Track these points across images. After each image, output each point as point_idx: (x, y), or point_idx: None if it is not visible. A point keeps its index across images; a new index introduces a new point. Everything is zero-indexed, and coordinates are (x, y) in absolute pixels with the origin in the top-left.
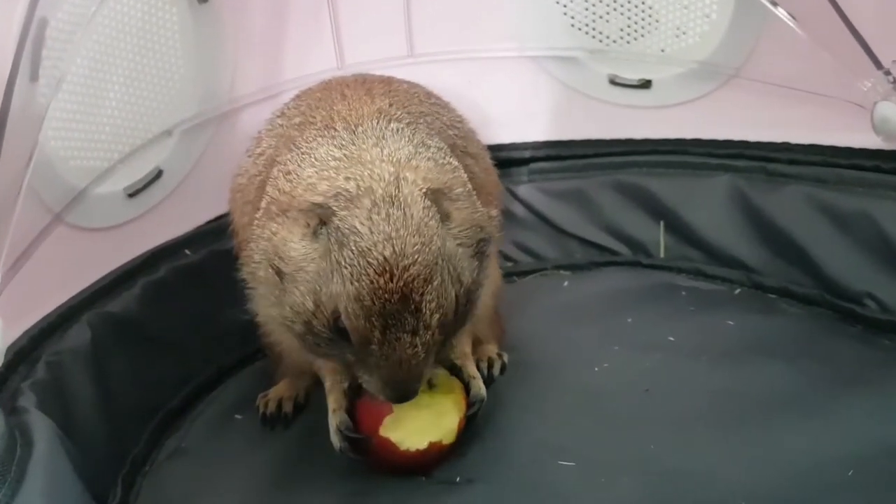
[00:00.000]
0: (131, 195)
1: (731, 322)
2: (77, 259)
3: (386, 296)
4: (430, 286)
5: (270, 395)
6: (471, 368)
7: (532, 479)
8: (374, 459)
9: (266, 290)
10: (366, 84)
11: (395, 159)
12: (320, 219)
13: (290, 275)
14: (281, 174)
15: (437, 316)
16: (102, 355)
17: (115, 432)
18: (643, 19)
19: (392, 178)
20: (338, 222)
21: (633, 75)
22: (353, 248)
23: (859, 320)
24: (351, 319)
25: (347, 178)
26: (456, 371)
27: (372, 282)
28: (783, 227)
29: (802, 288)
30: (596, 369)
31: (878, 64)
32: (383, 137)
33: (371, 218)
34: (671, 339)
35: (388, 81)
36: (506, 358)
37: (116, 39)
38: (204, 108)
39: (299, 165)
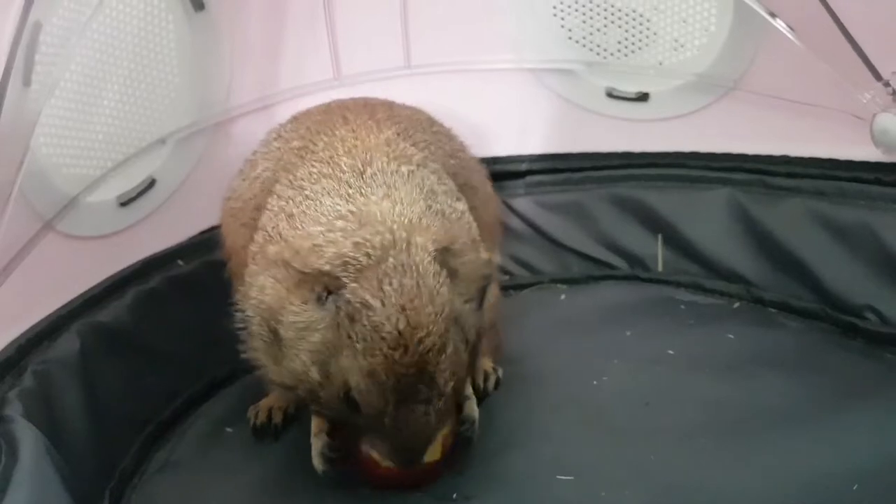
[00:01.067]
0: (124, 204)
1: (731, 335)
2: (67, 267)
3: (401, 370)
4: (443, 356)
5: (261, 405)
6: (465, 388)
7: (531, 494)
8: (363, 474)
9: (259, 343)
10: (367, 108)
11: (406, 220)
12: (326, 287)
13: (291, 340)
14: (282, 214)
15: (450, 384)
16: (92, 365)
17: (103, 444)
18: (641, 32)
19: (404, 246)
20: (348, 295)
21: (631, 88)
22: (366, 322)
23: (860, 334)
24: (363, 395)
25: (356, 245)
26: None
27: (386, 357)
28: (783, 240)
29: (802, 301)
30: (595, 383)
31: (877, 75)
32: (394, 187)
33: (383, 290)
34: (671, 352)
35: (389, 106)
36: (500, 373)
37: (111, 46)
38: (199, 118)
39: (304, 213)
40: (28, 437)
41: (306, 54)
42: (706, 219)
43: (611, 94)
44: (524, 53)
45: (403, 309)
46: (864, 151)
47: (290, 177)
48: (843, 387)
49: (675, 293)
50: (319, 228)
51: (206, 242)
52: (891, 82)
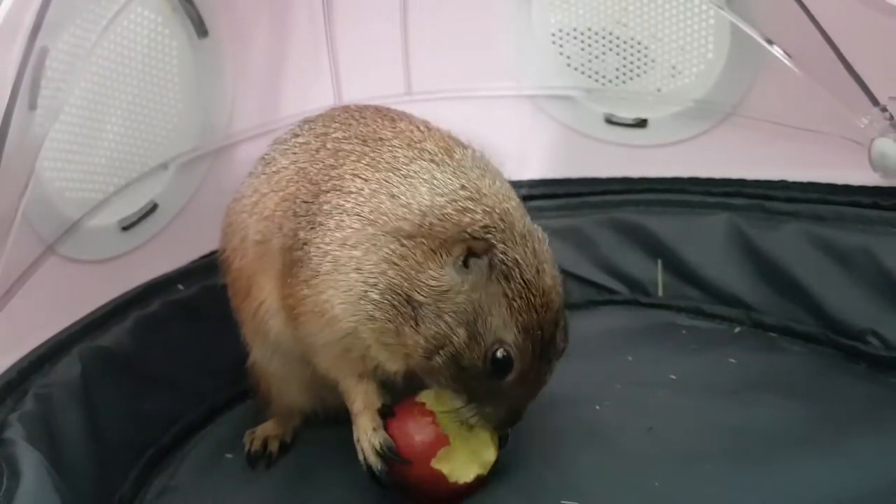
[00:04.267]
0: (125, 228)
1: (732, 360)
2: (69, 291)
3: (546, 326)
4: (564, 316)
5: (257, 432)
6: None
7: None
8: (413, 491)
9: (389, 312)
10: (382, 110)
11: (508, 195)
12: (469, 250)
13: (430, 304)
14: (381, 195)
15: (564, 344)
16: (92, 389)
17: (103, 468)
18: (639, 59)
19: (520, 214)
20: (501, 255)
21: (629, 114)
22: (520, 279)
23: (863, 358)
24: (520, 350)
25: (486, 212)
26: None
27: (537, 313)
28: (783, 264)
29: (804, 326)
30: (597, 407)
31: (874, 101)
32: (483, 168)
33: (526, 251)
34: (673, 377)
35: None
36: None
37: (116, 72)
38: (201, 143)
39: (412, 191)
40: (29, 460)
41: (308, 81)
42: (706, 244)
43: (610, 121)
44: (524, 80)
45: (539, 271)
46: (862, 176)
47: (365, 162)
48: (846, 411)
49: (676, 318)
50: (443, 199)
51: (207, 267)
52: (888, 107)
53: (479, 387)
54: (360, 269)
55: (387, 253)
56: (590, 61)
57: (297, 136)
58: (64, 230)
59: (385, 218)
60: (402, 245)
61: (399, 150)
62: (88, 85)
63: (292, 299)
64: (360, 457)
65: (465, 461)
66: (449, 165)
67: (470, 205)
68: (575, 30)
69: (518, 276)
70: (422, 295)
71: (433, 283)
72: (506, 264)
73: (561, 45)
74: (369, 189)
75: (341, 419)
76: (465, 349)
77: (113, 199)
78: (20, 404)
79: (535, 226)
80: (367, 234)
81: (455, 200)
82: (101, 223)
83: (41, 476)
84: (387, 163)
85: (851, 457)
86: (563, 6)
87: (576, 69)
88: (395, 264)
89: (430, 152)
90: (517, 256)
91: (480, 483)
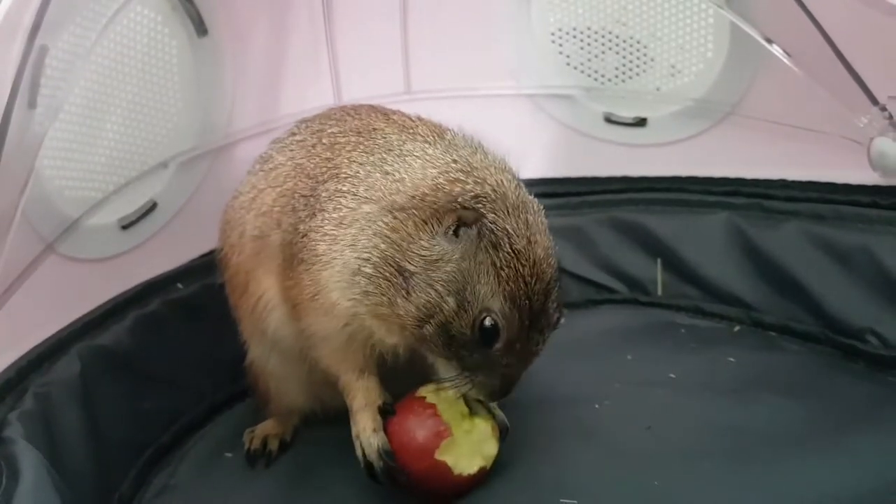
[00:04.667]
0: (125, 227)
1: (732, 359)
2: (68, 290)
3: (535, 296)
4: (558, 285)
5: (257, 431)
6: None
7: None
8: (418, 487)
9: (381, 285)
10: (375, 107)
11: (502, 167)
12: (460, 220)
13: (420, 274)
14: (375, 175)
15: (557, 314)
16: (92, 388)
17: (102, 467)
18: (638, 58)
19: (514, 186)
20: (490, 224)
21: (629, 113)
22: (509, 249)
23: (861, 357)
24: (507, 319)
25: (478, 183)
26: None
27: (526, 283)
28: (782, 263)
29: (803, 325)
30: (597, 406)
31: (873, 100)
32: (475, 147)
33: (517, 222)
34: (672, 375)
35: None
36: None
37: (116, 70)
38: (201, 142)
39: (405, 167)
40: (29, 459)
41: (308, 80)
42: (705, 243)
43: (609, 120)
44: (523, 79)
45: (530, 241)
46: (861, 175)
47: (361, 149)
48: (844, 410)
49: (676, 317)
50: (434, 171)
51: (207, 266)
52: (887, 106)
53: (470, 355)
54: (354, 246)
55: (379, 227)
56: (589, 60)
57: (294, 134)
58: (63, 229)
59: (379, 194)
60: (395, 218)
61: (392, 136)
62: (88, 84)
63: (293, 291)
64: (359, 453)
65: (468, 453)
66: (440, 144)
67: (461, 176)
68: (574, 29)
69: (507, 245)
70: (413, 265)
71: (424, 252)
72: (495, 234)
73: (560, 45)
74: (364, 171)
75: (340, 418)
76: (454, 317)
77: (112, 198)
78: (19, 403)
79: (532, 197)
80: (362, 213)
81: (447, 172)
82: (100, 222)
83: (41, 475)
84: (380, 147)
85: (851, 455)
86: (562, 5)
87: (575, 68)
88: (387, 237)
89: (422, 135)
90: (507, 226)
91: (484, 476)
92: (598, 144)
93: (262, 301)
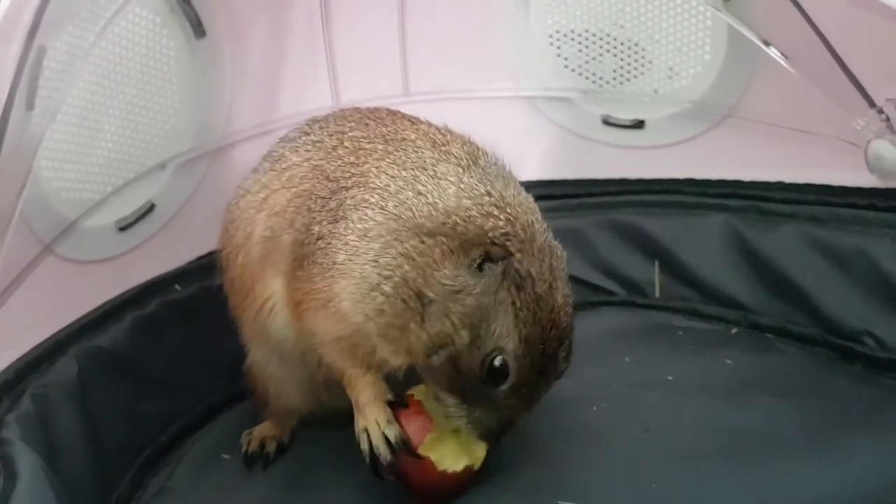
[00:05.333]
0: (123, 228)
1: (729, 361)
2: (66, 291)
3: (550, 342)
4: (570, 337)
5: (254, 433)
6: None
7: None
8: (407, 481)
9: (397, 306)
10: (394, 112)
11: (531, 207)
12: (487, 254)
13: (439, 302)
14: (408, 192)
15: (565, 364)
16: (89, 390)
17: (100, 468)
18: (636, 60)
19: (542, 228)
20: (516, 264)
21: (627, 116)
22: (531, 291)
23: (858, 359)
24: (519, 362)
25: (509, 220)
26: None
27: (542, 327)
28: (779, 266)
29: (800, 327)
30: (594, 408)
31: (871, 102)
32: (507, 178)
33: (542, 266)
34: (669, 377)
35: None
36: None
37: (114, 72)
38: (198, 143)
39: (439, 190)
40: (26, 461)
41: (306, 81)
42: (703, 245)
43: (607, 122)
44: (521, 81)
45: (551, 287)
46: (858, 177)
47: (390, 160)
48: (842, 412)
49: (673, 319)
50: (469, 202)
51: (205, 267)
52: (884, 109)
53: (473, 391)
54: (376, 262)
55: (407, 248)
56: (587, 63)
57: (307, 133)
58: (61, 230)
59: (409, 213)
60: (422, 242)
61: (425, 151)
62: (86, 85)
63: (300, 293)
64: (364, 447)
65: (454, 451)
66: (475, 171)
67: (494, 210)
68: (572, 31)
69: (530, 287)
70: (433, 292)
71: (446, 281)
72: (519, 274)
73: (558, 47)
74: (395, 185)
75: (339, 420)
76: (465, 351)
77: (110, 200)
78: (17, 404)
79: (556, 242)
80: (390, 228)
81: (480, 205)
82: (98, 223)
83: (38, 476)
84: (413, 163)
85: (848, 457)
86: (560, 8)
87: (573, 70)
88: (413, 259)
89: (455, 156)
90: (532, 269)
91: (471, 475)
92: (595, 146)
93: (268, 303)
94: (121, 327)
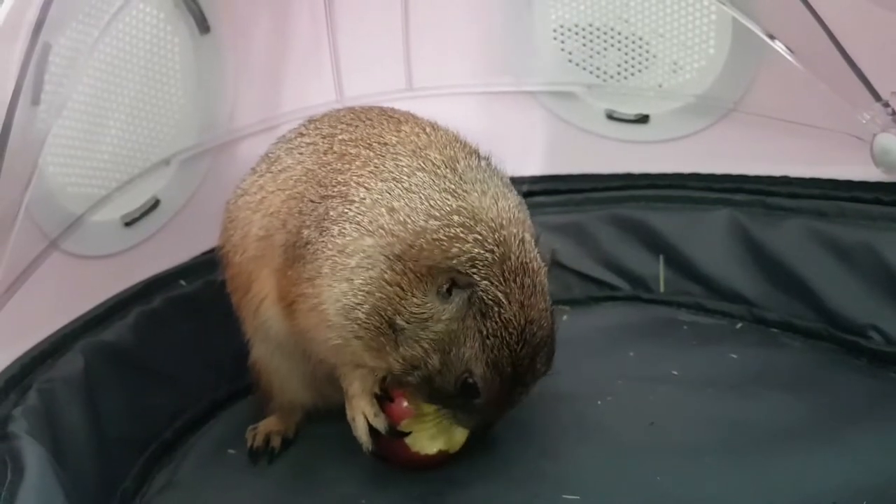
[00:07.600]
0: (128, 224)
1: (734, 355)
2: (71, 286)
3: (520, 361)
4: (548, 346)
5: (259, 427)
6: None
7: None
8: (388, 456)
9: (371, 333)
10: (387, 111)
11: (511, 217)
12: (453, 281)
13: (409, 329)
14: (380, 207)
15: (545, 368)
16: (95, 384)
17: (105, 463)
18: (640, 55)
19: (518, 243)
20: (480, 293)
21: (631, 110)
22: (497, 318)
23: (864, 353)
24: (488, 382)
25: (478, 242)
26: None
27: (511, 350)
28: (784, 260)
29: (805, 321)
30: (599, 403)
31: (876, 96)
32: (486, 182)
33: (510, 288)
34: (675, 372)
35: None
36: None
37: (118, 68)
38: (203, 139)
39: (410, 207)
40: (33, 455)
41: (309, 77)
42: (707, 240)
43: (611, 116)
44: (525, 76)
45: (523, 306)
46: (863, 171)
47: (370, 169)
48: (847, 406)
49: (678, 314)
50: (436, 223)
51: (209, 263)
52: (890, 102)
53: (452, 402)
54: (351, 280)
55: (376, 274)
56: (591, 57)
57: (302, 135)
58: (67, 226)
59: (382, 231)
60: (392, 269)
61: (402, 159)
62: (91, 81)
63: (292, 294)
64: (357, 433)
65: (431, 435)
66: (451, 180)
67: (461, 232)
68: (576, 25)
69: (496, 314)
70: (402, 320)
71: (415, 309)
72: (485, 302)
73: (562, 41)
74: (371, 199)
75: (343, 414)
76: (437, 374)
77: (115, 195)
78: (23, 399)
79: (535, 252)
80: (363, 245)
81: (448, 226)
82: (103, 219)
83: (44, 470)
84: (390, 172)
85: (853, 451)
86: (564, 2)
87: (577, 65)
88: (383, 287)
89: (433, 163)
90: (499, 293)
91: (445, 459)
92: (599, 141)
93: (265, 302)
94: (126, 323)
